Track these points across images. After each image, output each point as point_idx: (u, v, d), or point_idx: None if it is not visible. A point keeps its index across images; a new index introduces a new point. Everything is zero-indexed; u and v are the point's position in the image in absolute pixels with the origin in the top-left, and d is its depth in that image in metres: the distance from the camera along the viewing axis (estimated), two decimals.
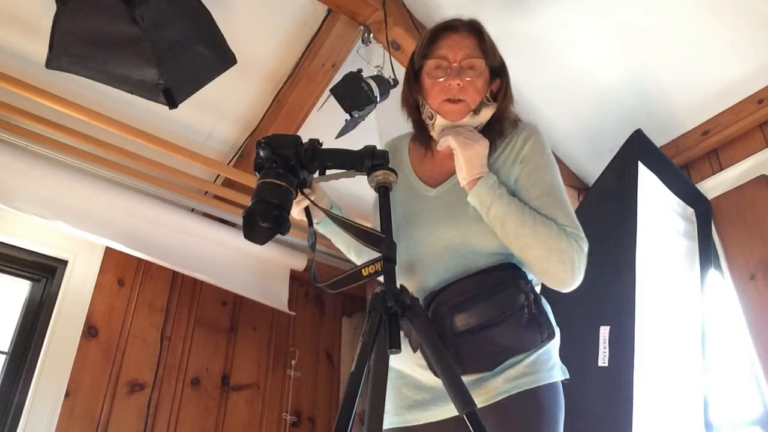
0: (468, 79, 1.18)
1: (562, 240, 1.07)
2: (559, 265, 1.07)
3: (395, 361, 1.18)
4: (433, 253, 1.15)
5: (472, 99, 1.19)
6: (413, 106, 1.29)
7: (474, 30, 1.24)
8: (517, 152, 1.20)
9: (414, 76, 1.27)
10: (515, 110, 1.29)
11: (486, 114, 1.22)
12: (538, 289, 1.17)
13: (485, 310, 1.04)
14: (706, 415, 2.06)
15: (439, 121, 1.22)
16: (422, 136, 1.30)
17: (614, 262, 1.91)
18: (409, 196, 1.26)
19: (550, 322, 1.12)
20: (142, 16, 1.59)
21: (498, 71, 1.25)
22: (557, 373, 1.11)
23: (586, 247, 1.11)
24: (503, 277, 1.09)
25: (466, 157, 1.13)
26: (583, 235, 1.12)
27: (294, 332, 3.19)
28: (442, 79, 1.19)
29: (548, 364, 1.10)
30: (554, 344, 1.14)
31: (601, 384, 1.75)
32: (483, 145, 1.17)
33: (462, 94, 1.18)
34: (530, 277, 1.15)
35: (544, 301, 1.16)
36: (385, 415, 1.20)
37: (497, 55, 1.26)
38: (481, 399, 1.05)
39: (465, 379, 1.05)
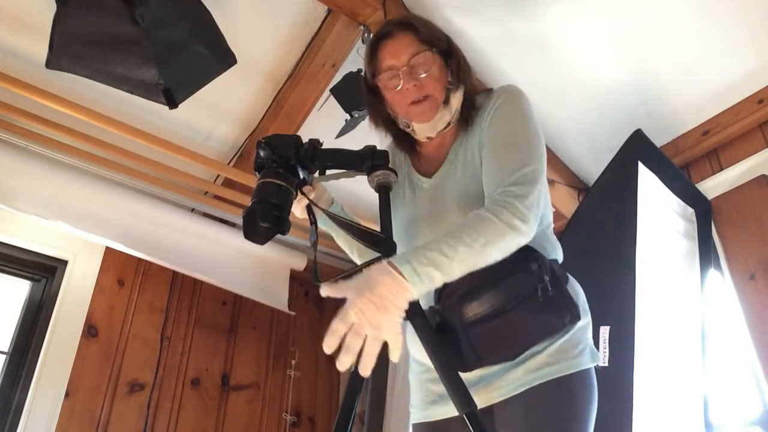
0: (422, 75, 1.16)
1: (495, 228, 0.96)
2: (512, 243, 0.98)
3: (420, 355, 1.16)
4: None
5: (435, 91, 1.17)
6: (387, 122, 1.28)
7: (407, 27, 1.21)
8: (489, 113, 1.18)
9: (374, 95, 1.25)
10: (478, 79, 1.26)
11: (457, 99, 1.20)
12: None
13: (495, 297, 1.01)
14: (706, 415, 2.06)
15: (417, 128, 1.21)
16: (405, 142, 1.29)
17: (614, 262, 1.91)
18: (412, 193, 1.26)
19: (574, 304, 1.06)
20: (142, 16, 1.59)
21: (449, 51, 1.22)
22: (586, 359, 1.05)
23: (522, 202, 0.99)
24: (513, 262, 1.02)
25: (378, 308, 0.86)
26: (524, 177, 1.02)
27: (294, 332, 3.18)
28: (398, 88, 1.17)
29: (574, 351, 1.05)
30: (583, 327, 1.09)
31: (601, 384, 1.75)
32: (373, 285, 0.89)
33: (423, 91, 1.16)
34: (552, 257, 1.11)
35: (572, 282, 1.11)
36: (412, 410, 1.20)
37: (441, 37, 1.22)
38: (501, 392, 1.03)
39: (485, 372, 1.05)
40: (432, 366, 1.13)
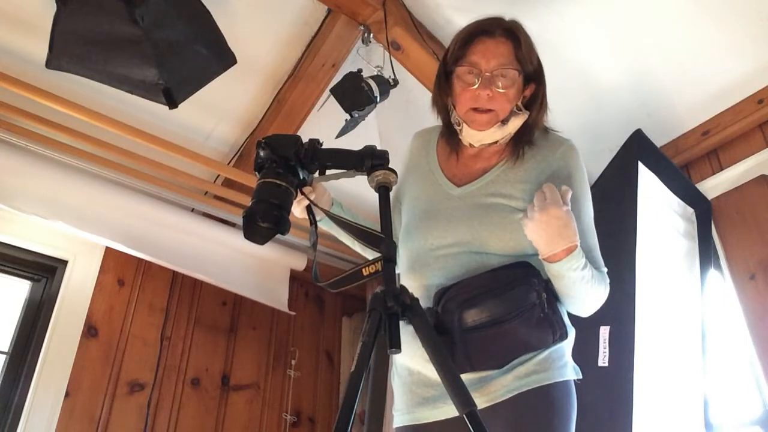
0: (500, 90, 1.15)
1: (606, 291, 1.15)
2: (596, 306, 1.17)
3: (405, 359, 1.17)
4: (449, 251, 1.16)
5: (501, 109, 1.17)
6: (443, 107, 1.27)
7: (511, 35, 1.19)
8: (553, 169, 1.20)
9: (445, 77, 1.24)
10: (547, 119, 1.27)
11: (515, 124, 1.20)
12: None
13: (495, 307, 1.04)
14: (706, 415, 2.06)
15: (466, 131, 1.20)
16: (450, 136, 1.28)
17: (614, 262, 1.91)
18: (432, 191, 1.26)
19: (563, 323, 1.11)
20: (142, 16, 1.59)
21: (533, 76, 1.22)
22: (569, 371, 1.10)
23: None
24: (516, 275, 1.08)
25: (559, 228, 1.05)
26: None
27: (294, 332, 3.18)
28: (473, 87, 1.16)
29: (560, 362, 1.09)
30: (567, 344, 1.14)
31: (601, 384, 1.75)
32: (568, 213, 1.07)
33: (491, 104, 1.16)
34: (546, 276, 1.14)
35: (559, 304, 1.15)
36: (396, 413, 1.20)
37: (534, 60, 1.21)
38: (490, 396, 1.05)
39: (474, 376, 1.06)
40: (416, 369, 1.15)
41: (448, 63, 1.23)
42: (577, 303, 1.13)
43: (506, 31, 1.20)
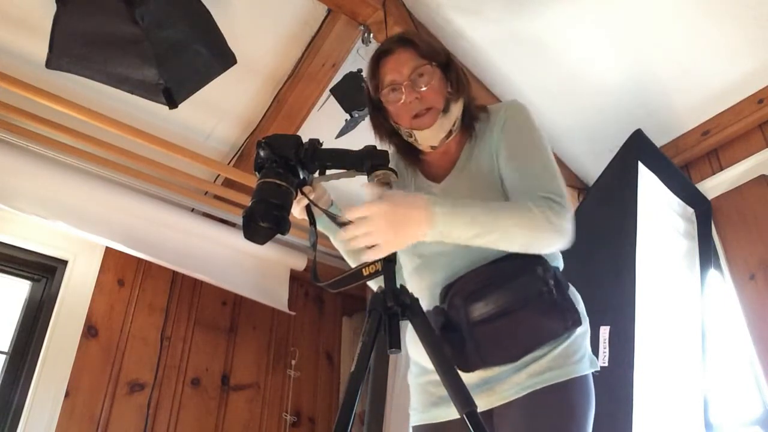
0: (423, 88, 1.19)
1: (532, 215, 1.02)
2: (546, 234, 1.03)
3: (419, 357, 1.17)
4: (450, 246, 1.14)
5: (436, 102, 1.20)
6: (391, 134, 1.30)
7: (407, 43, 1.24)
8: (500, 125, 1.21)
9: (377, 109, 1.28)
10: (475, 95, 1.30)
11: (457, 108, 1.22)
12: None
13: (501, 298, 1.03)
14: (706, 415, 2.07)
15: (419, 137, 1.22)
16: (409, 152, 1.31)
17: (614, 262, 1.91)
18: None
19: (576, 310, 1.08)
20: (142, 16, 1.59)
21: (447, 64, 1.25)
22: (585, 365, 1.08)
23: (562, 202, 1.07)
24: (519, 265, 1.07)
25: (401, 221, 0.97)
26: (561, 194, 1.08)
27: (294, 332, 3.19)
28: (401, 101, 1.20)
29: (575, 356, 1.06)
30: (582, 334, 1.11)
31: (601, 384, 1.75)
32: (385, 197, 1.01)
33: (425, 104, 1.19)
34: (555, 264, 1.13)
35: (572, 290, 1.13)
36: (412, 413, 1.21)
37: (440, 51, 1.26)
38: (503, 395, 1.04)
39: (487, 374, 1.05)
40: (431, 368, 1.14)
41: (372, 97, 1.28)
42: (502, 243, 1.03)
43: (400, 42, 1.25)
